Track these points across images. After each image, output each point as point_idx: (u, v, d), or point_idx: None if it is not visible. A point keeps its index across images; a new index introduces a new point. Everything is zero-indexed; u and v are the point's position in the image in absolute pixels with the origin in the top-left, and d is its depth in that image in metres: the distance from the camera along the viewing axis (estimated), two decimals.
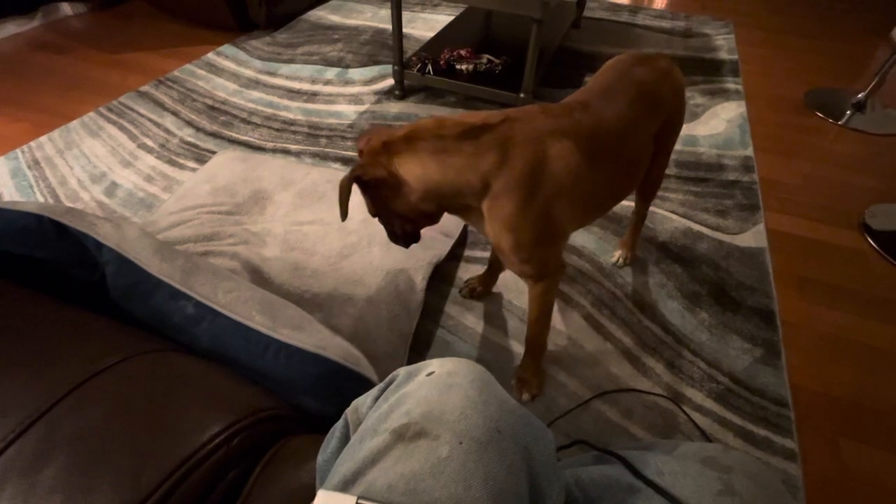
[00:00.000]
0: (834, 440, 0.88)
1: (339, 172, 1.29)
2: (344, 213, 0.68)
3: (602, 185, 0.76)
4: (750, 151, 1.57)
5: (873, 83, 1.76)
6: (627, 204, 1.34)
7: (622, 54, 0.88)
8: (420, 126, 0.65)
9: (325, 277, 0.95)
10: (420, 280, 1.01)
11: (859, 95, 1.80)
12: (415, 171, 0.65)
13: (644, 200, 1.08)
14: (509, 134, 0.65)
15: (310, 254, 1.00)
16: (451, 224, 1.15)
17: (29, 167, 1.41)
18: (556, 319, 1.05)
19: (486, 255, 1.17)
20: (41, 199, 1.31)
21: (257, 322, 0.60)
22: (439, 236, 1.11)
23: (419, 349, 0.98)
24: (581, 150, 0.69)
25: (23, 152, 1.47)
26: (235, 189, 1.16)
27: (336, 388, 0.61)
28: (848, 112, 1.79)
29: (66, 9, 2.33)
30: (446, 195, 0.67)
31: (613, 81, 0.80)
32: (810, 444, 0.87)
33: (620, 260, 1.17)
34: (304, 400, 0.60)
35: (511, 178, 0.65)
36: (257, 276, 0.93)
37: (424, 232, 0.85)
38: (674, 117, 0.89)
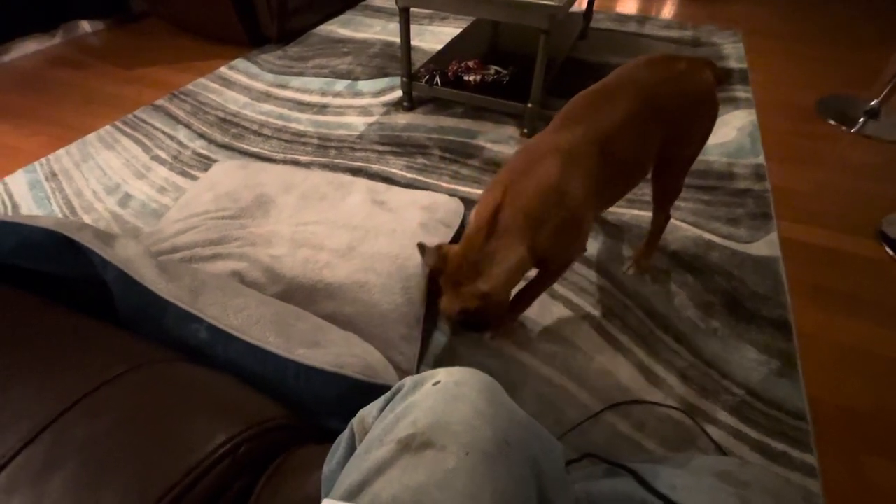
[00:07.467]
0: (854, 455, 0.85)
1: (338, 175, 1.30)
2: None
3: (607, 182, 0.85)
4: (761, 159, 1.56)
5: (887, 90, 1.74)
6: (640, 213, 1.33)
7: (642, 56, 0.91)
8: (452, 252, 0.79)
9: (336, 268, 0.96)
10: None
11: (872, 102, 1.78)
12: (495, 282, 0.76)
13: (660, 209, 1.07)
14: (511, 217, 0.75)
15: (319, 249, 1.01)
16: (449, 215, 1.17)
17: (46, 179, 1.45)
18: (566, 330, 1.03)
19: None
20: (57, 210, 1.34)
21: (273, 344, 0.59)
22: (440, 226, 1.12)
23: (425, 357, 0.97)
24: (586, 161, 0.80)
25: (41, 165, 1.50)
26: (238, 195, 1.17)
27: (358, 405, 0.60)
28: (861, 119, 1.77)
29: (86, 26, 2.40)
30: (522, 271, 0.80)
31: (615, 84, 0.86)
32: (830, 458, 0.84)
33: (631, 269, 1.15)
34: (332, 422, 0.59)
35: (546, 238, 0.77)
36: (269, 273, 0.94)
37: (426, 220, 1.10)
38: (682, 123, 0.88)
